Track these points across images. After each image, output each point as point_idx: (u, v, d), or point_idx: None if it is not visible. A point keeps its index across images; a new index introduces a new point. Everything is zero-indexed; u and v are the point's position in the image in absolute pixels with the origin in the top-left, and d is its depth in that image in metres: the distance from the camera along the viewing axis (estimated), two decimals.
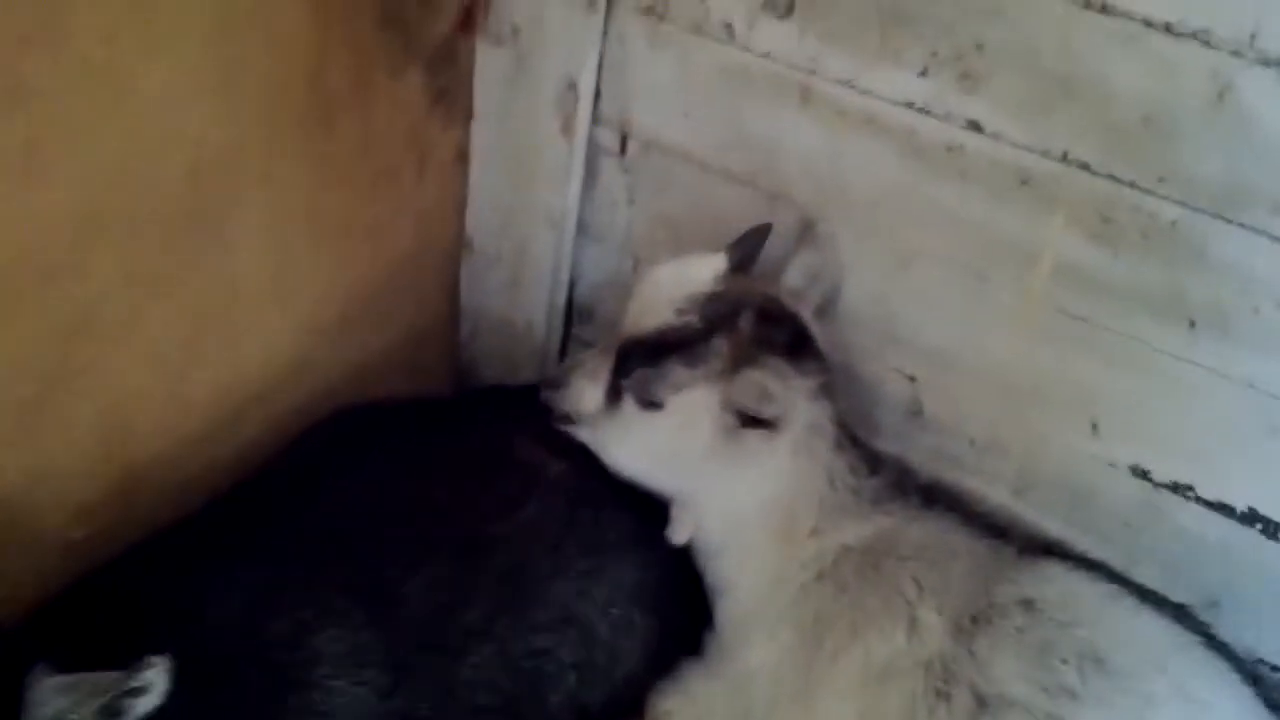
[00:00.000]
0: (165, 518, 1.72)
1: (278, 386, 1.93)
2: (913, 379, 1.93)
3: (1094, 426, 1.81)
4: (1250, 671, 1.59)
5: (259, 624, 1.57)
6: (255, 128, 1.69)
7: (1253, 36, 1.50)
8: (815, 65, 1.81)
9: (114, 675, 1.34)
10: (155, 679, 1.35)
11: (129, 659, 1.36)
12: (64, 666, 1.38)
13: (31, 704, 1.34)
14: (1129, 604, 1.59)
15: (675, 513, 1.82)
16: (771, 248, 1.88)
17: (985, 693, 1.54)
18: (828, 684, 1.66)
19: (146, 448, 1.75)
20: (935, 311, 1.87)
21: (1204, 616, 1.63)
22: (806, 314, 1.81)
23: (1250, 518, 1.75)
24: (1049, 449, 1.86)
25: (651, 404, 1.73)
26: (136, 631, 1.51)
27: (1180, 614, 1.60)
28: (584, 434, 1.82)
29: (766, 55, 1.84)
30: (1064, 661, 1.53)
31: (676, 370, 1.71)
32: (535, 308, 2.23)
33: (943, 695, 1.58)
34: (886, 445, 1.84)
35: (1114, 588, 1.61)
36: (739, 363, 1.70)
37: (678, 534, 1.81)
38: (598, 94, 2.03)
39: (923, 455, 1.84)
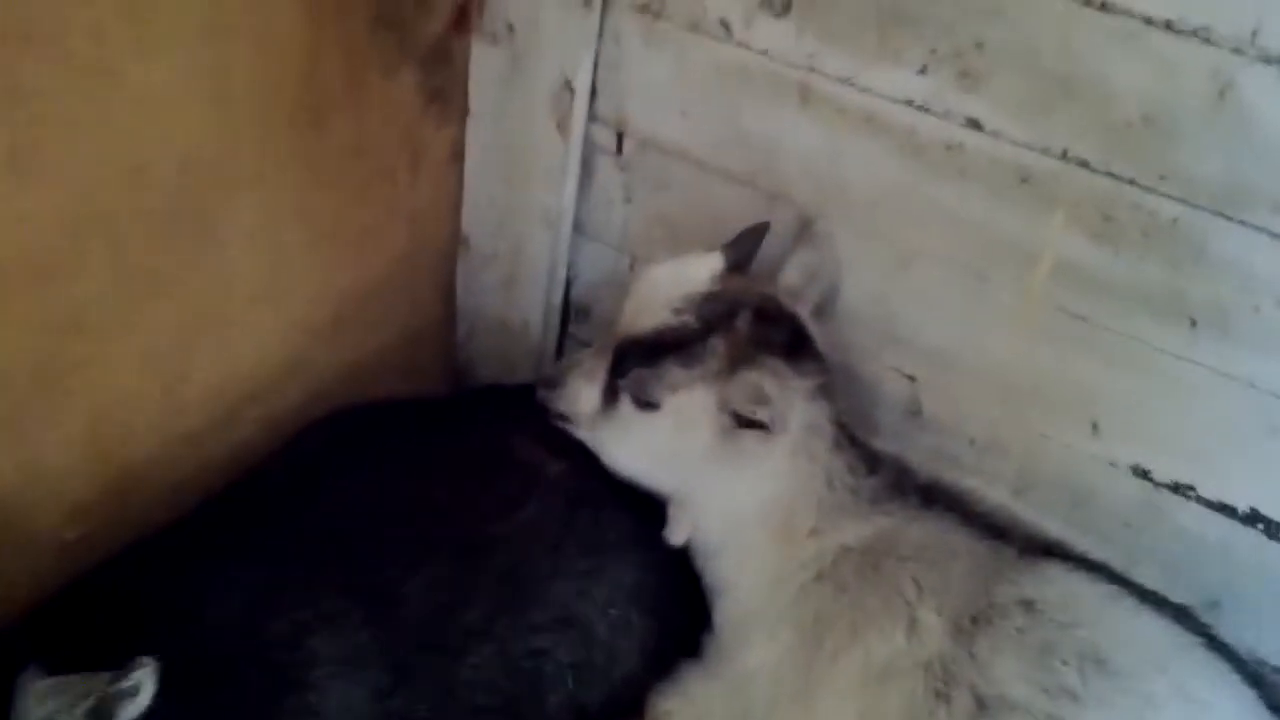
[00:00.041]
0: (160, 518, 1.72)
1: (272, 386, 1.92)
2: (912, 379, 1.93)
3: (1094, 426, 1.80)
4: (1251, 672, 1.59)
5: (257, 624, 1.56)
6: (248, 127, 1.69)
7: (1254, 34, 1.50)
8: (814, 63, 1.80)
9: (103, 677, 1.33)
10: (144, 680, 1.34)
11: (125, 660, 1.35)
12: (59, 668, 1.38)
13: (21, 706, 1.34)
14: (1130, 604, 1.59)
15: (673, 513, 1.81)
16: (769, 247, 1.88)
17: (985, 694, 1.54)
18: (827, 685, 1.66)
19: (140, 447, 1.74)
20: (935, 311, 1.86)
21: (1205, 617, 1.62)
22: (804, 314, 1.81)
23: (1251, 518, 1.75)
24: (1049, 449, 1.85)
25: (648, 404, 1.72)
26: (133, 632, 1.50)
27: (1181, 614, 1.60)
28: (582, 435, 1.81)
29: (764, 53, 1.83)
30: (1064, 662, 1.52)
31: (673, 371, 1.70)
32: (531, 307, 2.22)
33: (942, 696, 1.57)
34: (885, 445, 1.84)
35: (1114, 588, 1.60)
36: (736, 363, 1.69)
37: (676, 534, 1.81)
38: (594, 92, 2.02)
39: (922, 455, 1.83)
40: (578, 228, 2.15)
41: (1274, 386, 1.66)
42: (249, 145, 1.71)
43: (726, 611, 1.80)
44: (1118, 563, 1.65)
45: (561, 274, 2.18)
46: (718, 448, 1.72)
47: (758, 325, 1.72)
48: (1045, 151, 1.68)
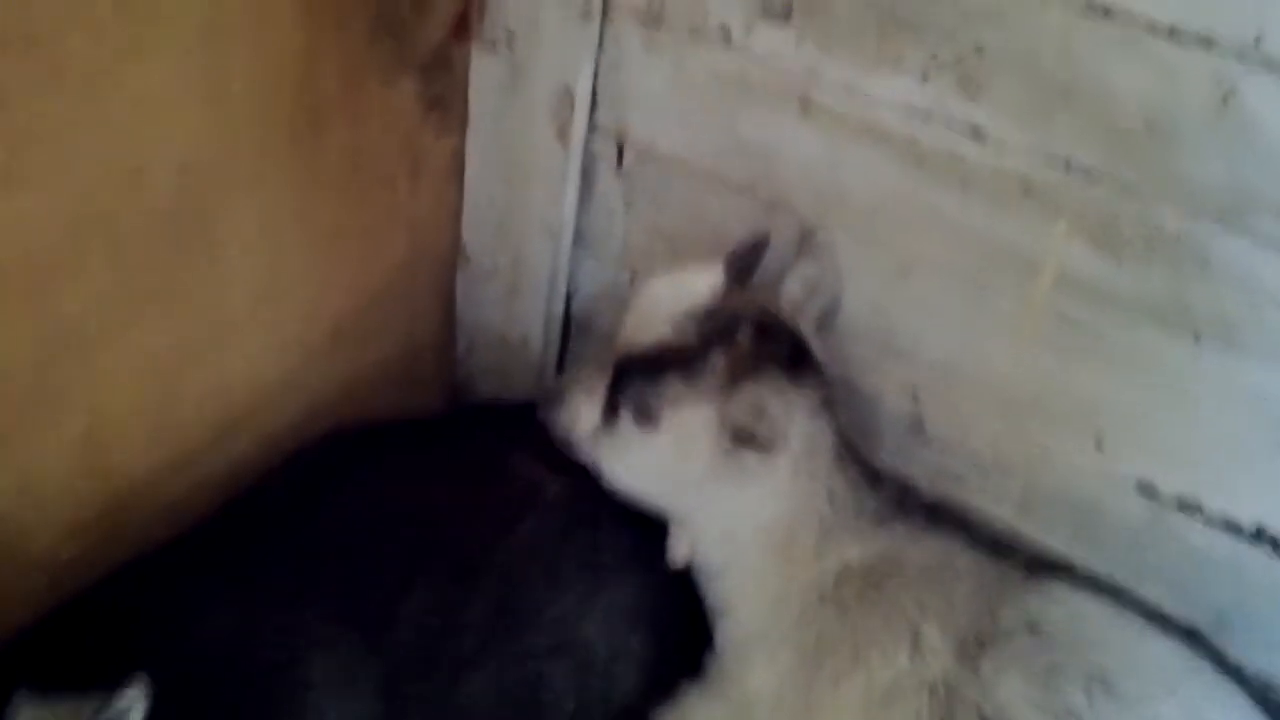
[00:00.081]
0: (155, 537, 1.70)
1: (269, 402, 1.91)
2: (914, 392, 1.91)
3: (1098, 441, 1.78)
4: (1261, 694, 1.57)
5: (250, 646, 1.54)
6: (244, 135, 1.67)
7: (1257, 40, 1.47)
8: (814, 71, 1.78)
9: (93, 699, 1.32)
10: (135, 702, 1.33)
11: (117, 681, 1.34)
12: (51, 689, 1.36)
13: None
14: (1137, 625, 1.57)
15: (674, 532, 1.80)
16: (770, 258, 1.85)
17: (990, 717, 1.51)
18: (829, 707, 1.63)
19: (133, 467, 1.73)
20: (936, 322, 1.84)
21: (1213, 637, 1.61)
22: (806, 327, 1.79)
23: (1259, 535, 1.72)
24: (1052, 464, 1.83)
25: (648, 421, 1.71)
26: (126, 652, 1.49)
27: (1189, 635, 1.58)
28: (581, 452, 1.79)
29: (764, 61, 1.82)
30: (1071, 685, 1.50)
31: (673, 386, 1.68)
32: (532, 320, 2.21)
33: (947, 719, 1.55)
34: (887, 461, 1.82)
35: (1121, 608, 1.59)
36: (737, 378, 1.67)
37: (676, 554, 1.79)
38: (594, 101, 2.00)
39: (925, 472, 1.82)
40: (578, 240, 2.13)
41: None
42: (247, 151, 1.69)
43: (728, 633, 1.78)
44: (1124, 581, 1.63)
45: (562, 287, 2.17)
46: (719, 465, 1.70)
47: (759, 340, 1.70)
48: (1047, 160, 1.65)
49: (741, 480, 1.71)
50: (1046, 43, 1.60)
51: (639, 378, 1.70)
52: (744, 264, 1.81)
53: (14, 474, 1.58)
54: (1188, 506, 1.76)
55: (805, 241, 1.86)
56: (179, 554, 1.67)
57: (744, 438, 1.67)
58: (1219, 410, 1.67)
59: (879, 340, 1.90)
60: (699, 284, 1.76)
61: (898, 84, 1.73)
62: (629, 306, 1.80)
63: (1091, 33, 1.56)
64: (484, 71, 2.04)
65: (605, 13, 1.91)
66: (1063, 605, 1.59)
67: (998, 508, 1.76)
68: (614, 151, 2.04)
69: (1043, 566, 1.65)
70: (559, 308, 2.19)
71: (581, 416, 1.77)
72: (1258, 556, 1.72)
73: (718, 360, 1.68)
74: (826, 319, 1.88)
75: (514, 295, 2.20)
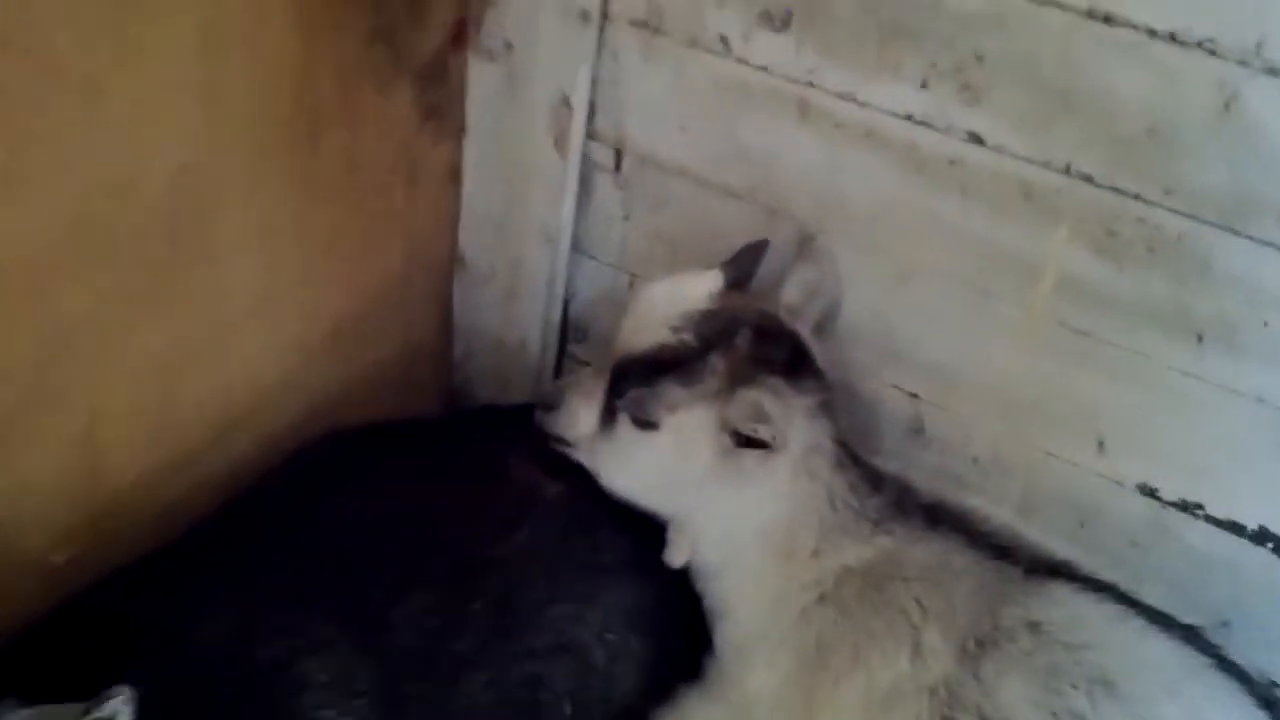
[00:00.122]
0: (150, 541, 1.69)
1: (265, 406, 1.90)
2: (914, 396, 1.91)
3: (1100, 444, 1.78)
4: (1264, 695, 1.56)
5: (245, 650, 1.53)
6: (241, 139, 1.67)
7: (1259, 45, 1.48)
8: (813, 78, 1.79)
9: (78, 707, 1.31)
10: (120, 710, 1.31)
11: (111, 685, 1.32)
12: (42, 694, 1.35)
13: None
14: (1138, 626, 1.56)
15: (673, 534, 1.79)
16: (769, 263, 1.86)
17: (991, 718, 1.51)
18: (830, 710, 1.63)
19: (130, 469, 1.72)
20: (937, 327, 1.84)
21: (1215, 637, 1.60)
22: (805, 331, 1.79)
23: (1261, 536, 1.73)
24: (1054, 467, 1.83)
25: (647, 424, 1.70)
26: (119, 657, 1.47)
27: (1191, 636, 1.57)
28: (580, 456, 1.79)
29: (763, 68, 1.82)
30: (1073, 686, 1.50)
31: (672, 390, 1.68)
32: (530, 325, 2.21)
33: None
34: (887, 464, 1.81)
35: (1122, 609, 1.58)
36: (736, 381, 1.67)
37: (675, 556, 1.78)
38: (592, 109, 2.00)
39: (925, 474, 1.81)
40: (576, 245, 2.13)
41: None
42: (243, 155, 1.69)
43: (727, 635, 1.77)
44: (1125, 583, 1.62)
45: (560, 292, 2.16)
46: (717, 468, 1.70)
47: (757, 343, 1.70)
48: (1048, 165, 1.66)
49: (740, 482, 1.70)
50: (1047, 49, 1.60)
51: (637, 381, 1.70)
52: (743, 269, 1.82)
53: (10, 475, 1.56)
54: (1189, 508, 1.76)
55: (804, 246, 1.86)
56: (177, 555, 1.66)
57: (743, 440, 1.66)
58: (1221, 412, 1.67)
59: (879, 344, 1.90)
60: (698, 288, 1.76)
61: (897, 91, 1.73)
62: (627, 310, 1.80)
63: (1092, 38, 1.57)
64: (481, 79, 2.04)
65: (603, 21, 1.91)
66: (1064, 606, 1.58)
67: (999, 510, 1.75)
68: (612, 158, 2.04)
69: (1043, 567, 1.64)
70: (557, 312, 2.19)
71: (579, 420, 1.77)
72: (1259, 557, 1.73)
73: (716, 363, 1.68)
74: (826, 323, 1.88)
75: (512, 300, 2.20)
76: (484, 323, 2.25)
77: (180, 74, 1.54)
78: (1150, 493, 1.78)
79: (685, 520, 1.77)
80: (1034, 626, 1.56)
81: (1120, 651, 1.54)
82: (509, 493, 1.79)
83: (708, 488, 1.72)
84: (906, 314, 1.86)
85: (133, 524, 1.72)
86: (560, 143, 2.01)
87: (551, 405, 1.81)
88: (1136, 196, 1.62)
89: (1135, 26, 1.54)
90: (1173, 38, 1.52)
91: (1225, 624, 1.73)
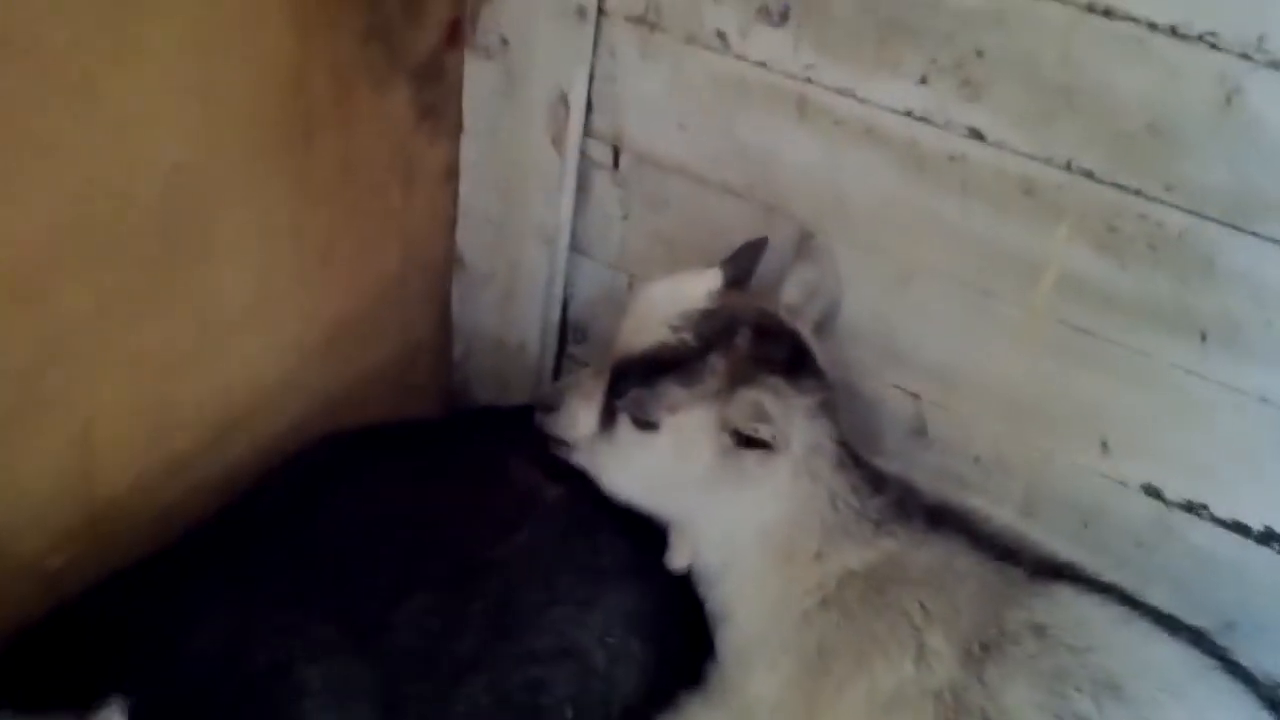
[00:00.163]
0: (146, 545, 1.68)
1: (263, 408, 1.89)
2: (915, 396, 1.90)
3: (1103, 444, 1.78)
4: (1270, 697, 1.55)
5: (243, 654, 1.52)
6: (234, 143, 1.66)
7: (1261, 38, 1.47)
8: (812, 74, 1.78)
9: (69, 717, 1.30)
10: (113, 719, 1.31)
11: (108, 691, 1.33)
12: (39, 700, 1.36)
13: None
14: (1143, 628, 1.55)
15: (674, 537, 1.78)
16: (769, 262, 1.85)
17: None
18: (832, 715, 1.62)
19: (125, 474, 1.71)
20: (937, 326, 1.83)
21: (1220, 639, 1.59)
22: (805, 330, 1.78)
23: (1266, 536, 1.72)
24: (1057, 467, 1.83)
25: (647, 425, 1.69)
26: (115, 662, 1.47)
27: (1196, 637, 1.57)
28: (579, 458, 1.78)
29: (762, 65, 1.81)
30: (1078, 689, 1.49)
31: (672, 390, 1.67)
32: (528, 326, 2.20)
33: None
34: (889, 465, 1.80)
35: (1127, 611, 1.57)
36: (736, 381, 1.66)
37: (676, 559, 1.78)
38: (589, 106, 1.99)
39: (927, 475, 1.80)
40: (574, 245, 2.12)
41: None
42: (236, 161, 1.68)
43: (729, 639, 1.76)
44: (1130, 584, 1.61)
45: (559, 292, 2.16)
46: (718, 468, 1.68)
47: (757, 342, 1.69)
48: (1049, 162, 1.65)
49: (741, 483, 1.69)
50: (1047, 44, 1.59)
51: (637, 381, 1.69)
52: (742, 267, 1.81)
53: (6, 478, 1.55)
54: (1194, 508, 1.76)
55: (804, 244, 1.85)
56: (174, 559, 1.66)
57: (743, 440, 1.65)
58: (1226, 412, 1.66)
59: (880, 344, 1.89)
60: (697, 287, 1.75)
61: (897, 87, 1.72)
62: (627, 310, 1.79)
63: (1092, 33, 1.56)
64: (478, 78, 2.03)
65: (600, 18, 1.90)
66: (1068, 609, 1.57)
67: (1002, 511, 1.74)
68: (610, 157, 2.03)
69: (1047, 569, 1.63)
70: (556, 312, 2.18)
71: (579, 421, 1.76)
72: (1265, 558, 1.72)
73: (716, 363, 1.67)
74: (825, 322, 1.87)
75: (510, 300, 2.19)
76: (482, 323, 2.24)
77: (176, 74, 1.53)
78: (1154, 493, 1.77)
79: (686, 523, 1.77)
80: (1038, 629, 1.55)
81: (1125, 654, 1.53)
82: (509, 494, 1.78)
83: (708, 489, 1.71)
84: (907, 313, 1.85)
85: (129, 527, 1.71)
86: (558, 141, 2.00)
87: (551, 407, 1.80)
88: (1138, 193, 1.61)
89: (1136, 20, 1.53)
90: (1173, 31, 1.51)
91: (1231, 625, 1.72)
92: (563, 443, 1.79)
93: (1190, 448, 1.72)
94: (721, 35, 1.82)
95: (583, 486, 1.77)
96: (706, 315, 1.71)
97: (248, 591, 1.58)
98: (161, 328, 1.67)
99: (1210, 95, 1.52)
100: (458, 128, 2.08)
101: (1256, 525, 1.72)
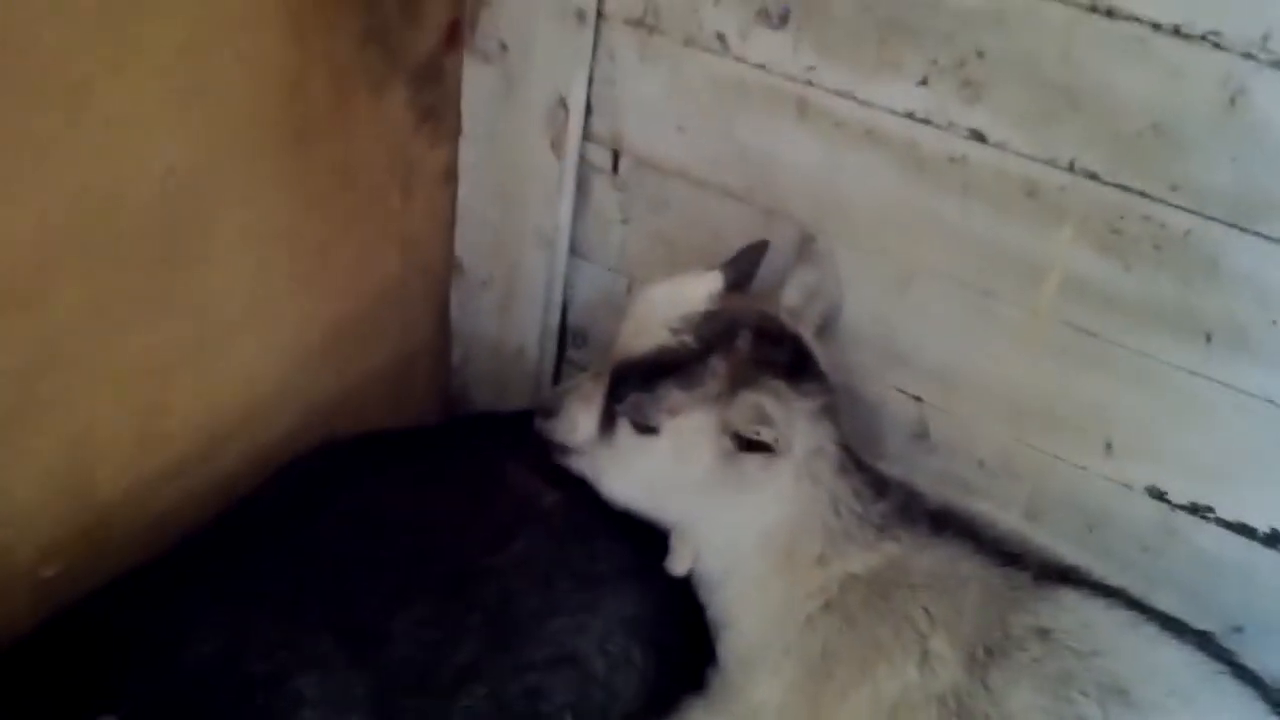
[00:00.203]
0: (140, 553, 1.67)
1: (258, 415, 1.88)
2: (918, 399, 1.89)
3: (1108, 446, 1.77)
4: (1277, 701, 1.54)
5: (239, 665, 1.51)
6: (231, 147, 1.65)
7: (1265, 38, 1.46)
8: (812, 76, 1.77)
9: None
10: None
11: (102, 703, 1.32)
12: (32, 710, 1.35)
13: None
14: (1150, 632, 1.55)
15: (674, 542, 1.77)
16: (769, 265, 1.84)
17: None
18: None
19: (119, 481, 1.69)
20: (940, 329, 1.83)
21: (1227, 642, 1.58)
22: (806, 333, 1.77)
23: (1272, 539, 1.71)
24: (1061, 470, 1.82)
25: (647, 429, 1.68)
26: (110, 672, 1.46)
27: (1203, 641, 1.56)
28: (579, 464, 1.77)
29: (761, 67, 1.80)
30: (1084, 694, 1.48)
31: (672, 393, 1.66)
32: (528, 330, 2.19)
33: None
34: (892, 468, 1.80)
35: (1133, 615, 1.56)
36: (737, 384, 1.65)
37: (677, 564, 1.76)
38: (588, 110, 1.98)
39: (930, 478, 1.79)
40: (574, 249, 2.11)
41: None
42: (232, 165, 1.66)
43: (731, 644, 1.75)
44: (1135, 588, 1.61)
45: (558, 296, 2.15)
46: (719, 472, 1.68)
47: (758, 345, 1.68)
48: (1051, 163, 1.64)
49: (742, 487, 1.68)
50: (1048, 44, 1.58)
51: (637, 385, 1.68)
52: (742, 270, 1.80)
53: None
54: (1199, 510, 1.75)
55: (804, 247, 1.84)
56: (169, 567, 1.64)
57: (744, 443, 1.64)
58: (1230, 413, 1.66)
59: (882, 347, 1.88)
60: (697, 290, 1.74)
61: (897, 89, 1.71)
62: (626, 313, 1.78)
63: (1094, 33, 1.55)
64: (477, 81, 2.02)
65: (599, 21, 1.89)
66: (1073, 613, 1.56)
67: (1006, 515, 1.74)
68: (609, 160, 2.02)
69: (1052, 573, 1.62)
70: (555, 317, 2.18)
71: (579, 426, 1.75)
72: (1271, 560, 1.72)
73: (717, 366, 1.66)
74: (826, 325, 1.86)
75: (509, 304, 2.18)
76: (481, 327, 2.24)
77: (173, 76, 1.53)
78: (1159, 496, 1.76)
79: (687, 527, 1.76)
80: (1043, 633, 1.54)
81: (1131, 658, 1.52)
82: (507, 501, 1.77)
83: (709, 493, 1.70)
84: (909, 315, 1.84)
85: (124, 535, 1.70)
86: (557, 144, 1.99)
87: (550, 411, 1.79)
88: (1142, 194, 1.60)
89: (1138, 20, 1.52)
90: (1176, 31, 1.50)
91: (1238, 629, 1.72)
92: (562, 448, 1.78)
93: (1195, 450, 1.71)
94: (721, 37, 1.81)
95: (581, 492, 1.76)
96: (707, 318, 1.70)
97: (243, 601, 1.57)
98: (157, 332, 1.66)
99: (1214, 95, 1.51)
100: (456, 131, 2.07)
101: (1262, 527, 1.71)
